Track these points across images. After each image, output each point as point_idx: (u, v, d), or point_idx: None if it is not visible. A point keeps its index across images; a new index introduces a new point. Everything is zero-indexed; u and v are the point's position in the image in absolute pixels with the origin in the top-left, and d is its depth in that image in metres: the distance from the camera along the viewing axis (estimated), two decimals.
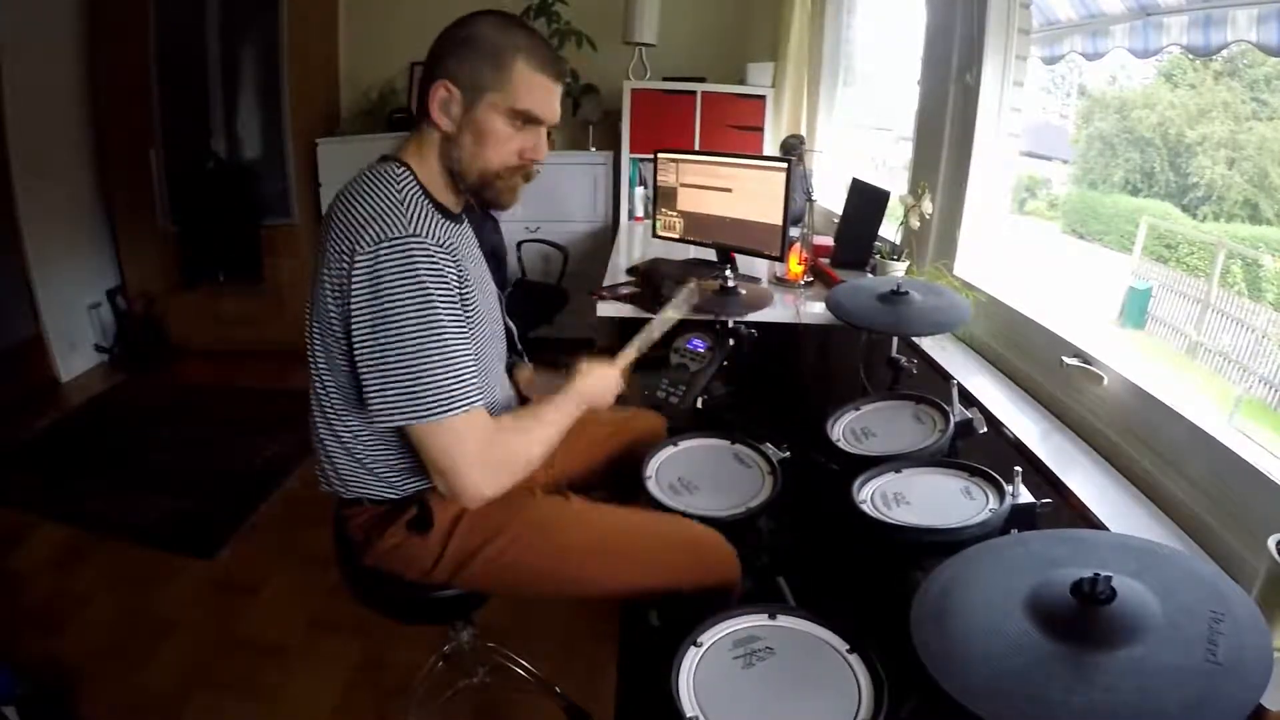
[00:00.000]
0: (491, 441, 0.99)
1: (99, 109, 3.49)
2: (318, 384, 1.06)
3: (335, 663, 1.78)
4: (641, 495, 1.25)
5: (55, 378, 3.39)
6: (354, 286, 0.93)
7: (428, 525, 1.10)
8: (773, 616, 0.95)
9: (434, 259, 0.95)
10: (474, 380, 0.98)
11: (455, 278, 1.00)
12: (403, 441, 1.07)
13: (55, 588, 2.05)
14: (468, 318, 1.03)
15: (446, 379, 0.94)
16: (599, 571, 1.16)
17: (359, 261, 0.93)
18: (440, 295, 0.95)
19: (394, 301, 0.92)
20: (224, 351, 3.70)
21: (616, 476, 1.42)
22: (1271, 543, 0.84)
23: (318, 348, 1.04)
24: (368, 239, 0.93)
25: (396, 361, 0.93)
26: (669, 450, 1.37)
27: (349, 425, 1.06)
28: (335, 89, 3.99)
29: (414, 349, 0.93)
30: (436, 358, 0.94)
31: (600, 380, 1.20)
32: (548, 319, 3.23)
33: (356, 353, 0.95)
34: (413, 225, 0.96)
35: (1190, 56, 1.53)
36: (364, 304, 0.93)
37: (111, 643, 1.85)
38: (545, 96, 1.05)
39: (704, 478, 1.29)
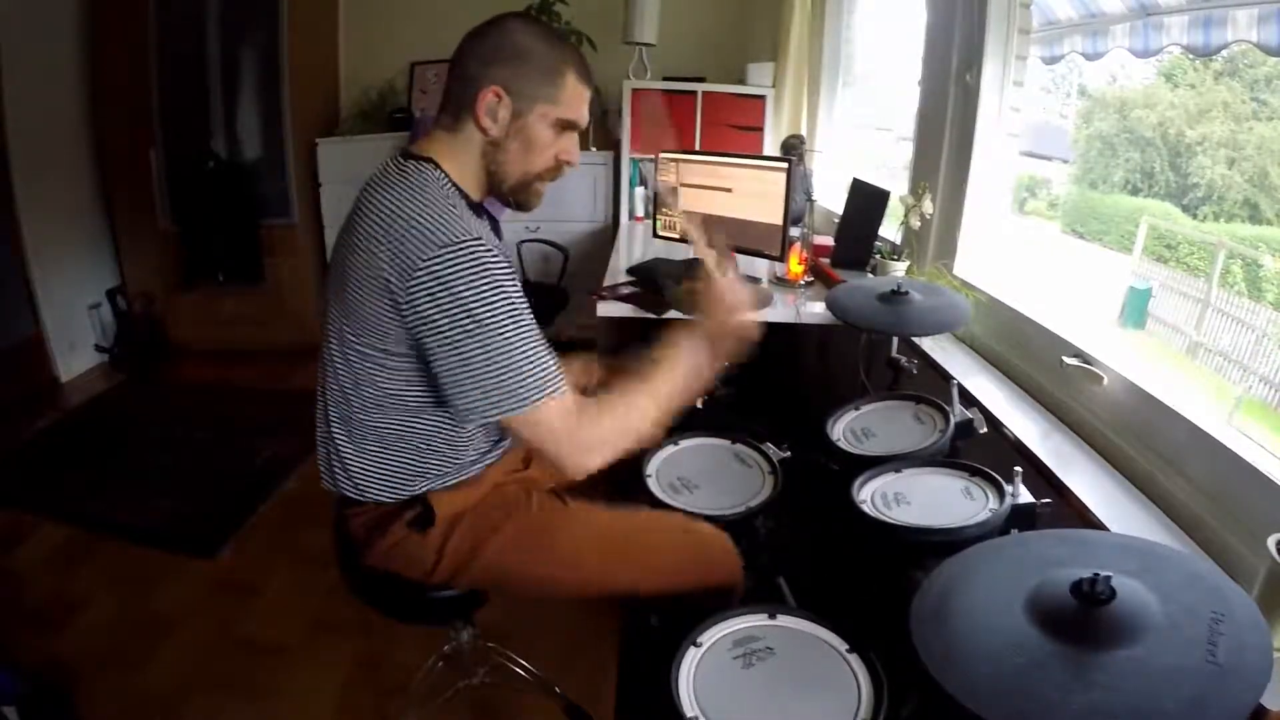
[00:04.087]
0: (583, 422, 1.00)
1: (99, 109, 3.48)
2: (336, 382, 1.06)
3: (335, 663, 1.78)
4: (641, 494, 1.25)
5: (55, 378, 3.38)
6: (419, 295, 0.93)
7: (429, 523, 1.10)
8: (773, 616, 0.96)
9: (497, 256, 0.97)
10: (554, 360, 0.99)
11: (512, 267, 1.01)
12: (416, 445, 1.08)
13: (55, 588, 2.05)
14: None
15: (535, 368, 0.96)
16: (598, 572, 1.16)
17: (423, 267, 0.93)
18: (513, 289, 0.97)
19: (474, 303, 0.93)
20: (224, 351, 3.69)
21: (617, 478, 1.42)
22: (1271, 543, 0.84)
23: (348, 345, 1.03)
24: (428, 245, 0.93)
25: (486, 359, 0.94)
26: (669, 450, 1.37)
27: (367, 425, 1.06)
28: (335, 89, 3.99)
29: (501, 345, 0.94)
30: (526, 349, 0.95)
31: (705, 358, 1.12)
32: (548, 319, 3.23)
33: (435, 357, 0.96)
34: (470, 227, 0.97)
35: (1190, 56, 1.53)
36: (440, 309, 0.93)
37: (111, 643, 1.84)
38: (584, 105, 1.10)
39: (704, 477, 1.29)
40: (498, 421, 0.98)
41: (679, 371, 1.09)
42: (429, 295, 0.93)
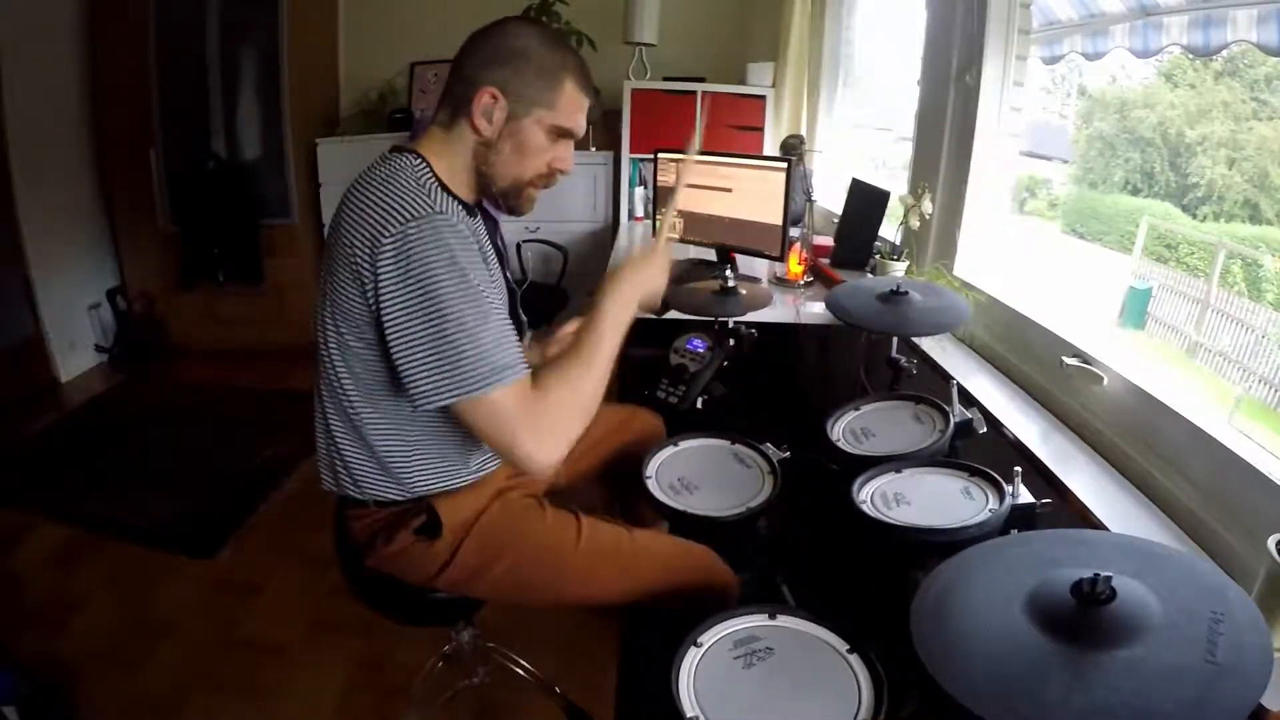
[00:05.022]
0: (541, 407, 0.96)
1: (99, 109, 3.48)
2: (331, 379, 1.05)
3: (335, 663, 1.78)
4: (641, 495, 1.25)
5: (55, 378, 3.39)
6: (381, 270, 0.92)
7: (436, 532, 1.10)
8: (773, 616, 0.95)
9: (460, 232, 0.95)
10: (515, 348, 0.96)
11: (478, 253, 1.00)
12: (418, 439, 1.07)
13: (55, 588, 2.05)
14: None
15: (489, 351, 0.92)
16: (601, 589, 1.17)
17: (385, 245, 0.92)
18: (472, 268, 0.94)
19: (428, 276, 0.91)
20: (224, 351, 3.70)
21: (617, 474, 1.43)
22: (1271, 543, 0.84)
23: (331, 341, 1.02)
24: (393, 221, 0.93)
25: (435, 338, 0.91)
26: (669, 450, 1.37)
27: (366, 420, 1.06)
28: (335, 89, 3.99)
29: (454, 322, 0.91)
30: (477, 331, 0.92)
31: (641, 276, 1.12)
32: (548, 319, 3.23)
33: (390, 337, 0.94)
34: (436, 204, 0.96)
35: (1190, 56, 1.53)
36: (395, 284, 0.92)
37: (111, 643, 1.85)
38: (582, 114, 1.09)
39: (704, 478, 1.29)
40: (450, 410, 0.95)
41: (612, 337, 1.05)
42: (388, 267, 0.92)
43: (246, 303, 3.68)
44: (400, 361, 0.94)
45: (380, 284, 0.93)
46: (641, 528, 1.23)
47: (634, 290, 1.10)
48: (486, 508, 1.14)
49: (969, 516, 1.08)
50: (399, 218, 0.93)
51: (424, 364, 0.92)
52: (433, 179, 1.03)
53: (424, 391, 0.93)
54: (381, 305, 0.93)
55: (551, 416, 0.97)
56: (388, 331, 0.94)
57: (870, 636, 0.90)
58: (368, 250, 0.94)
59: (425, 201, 0.95)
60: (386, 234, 0.93)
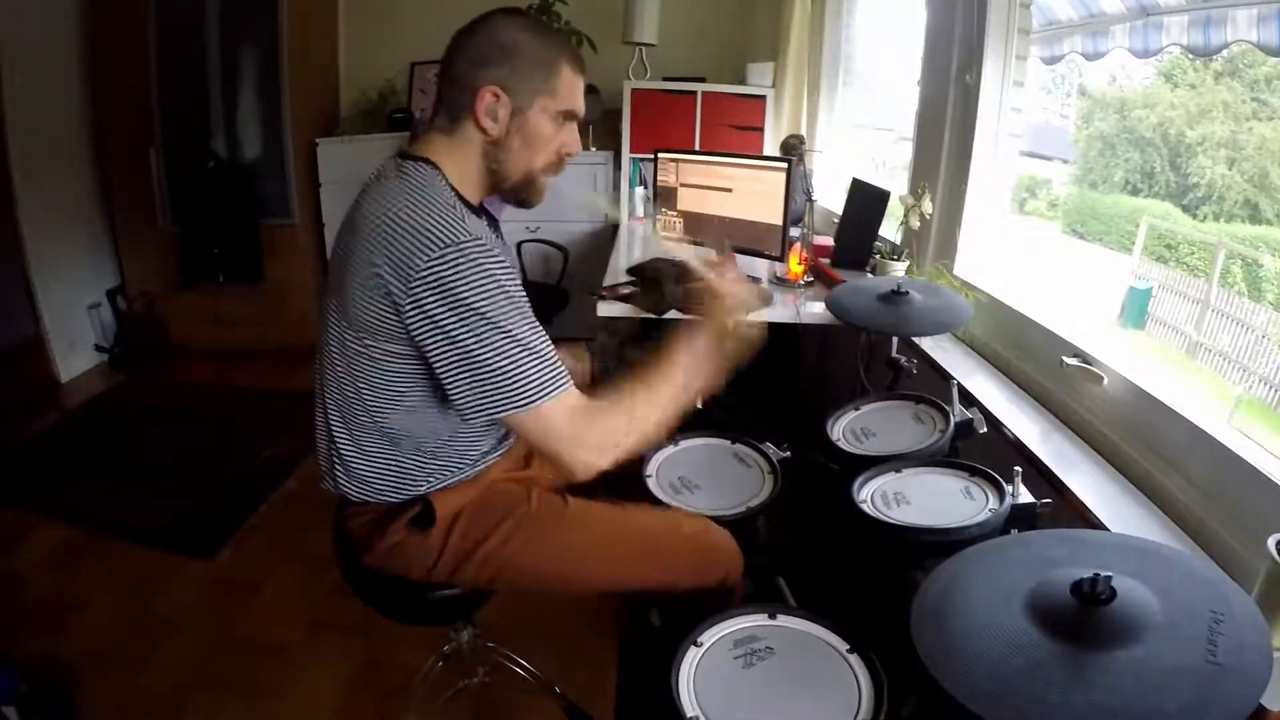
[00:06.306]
0: (588, 420, 0.99)
1: (99, 109, 3.49)
2: (334, 381, 1.06)
3: (335, 663, 1.78)
4: (641, 495, 1.25)
5: (55, 378, 3.39)
6: (423, 298, 0.93)
7: (429, 522, 1.10)
8: (773, 616, 0.96)
9: (497, 257, 0.97)
10: (559, 364, 0.99)
11: (514, 268, 1.01)
12: (419, 444, 1.08)
13: (55, 588, 2.05)
14: None
15: (540, 366, 0.96)
16: (598, 570, 1.16)
17: (424, 268, 0.92)
18: (515, 288, 0.97)
19: (479, 302, 0.93)
20: (224, 351, 3.70)
21: (619, 486, 1.43)
22: (1271, 543, 0.84)
23: (340, 345, 1.03)
24: (427, 247, 0.93)
25: (490, 357, 0.94)
26: (669, 449, 1.37)
27: (368, 425, 1.06)
28: (335, 89, 3.99)
29: (506, 342, 0.94)
30: (530, 347, 0.95)
31: (730, 357, 1.11)
32: (548, 319, 3.23)
33: (438, 358, 0.95)
34: (468, 228, 0.96)
35: (1190, 57, 1.53)
36: (445, 309, 0.93)
37: (111, 643, 1.84)
38: (580, 93, 1.11)
39: (704, 477, 1.29)
40: (501, 420, 0.98)
41: (680, 372, 1.08)
42: (434, 296, 0.93)
43: (246, 303, 3.68)
44: (455, 379, 0.96)
45: (425, 309, 0.93)
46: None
47: (722, 365, 1.10)
48: (476, 495, 1.14)
49: (969, 516, 1.08)
50: (432, 245, 0.93)
51: (481, 380, 0.95)
52: (453, 194, 1.03)
53: (479, 406, 0.96)
54: (427, 330, 0.95)
55: (600, 429, 1.00)
56: (436, 354, 0.96)
57: (870, 636, 0.90)
58: (398, 274, 0.94)
59: (458, 227, 0.95)
60: (421, 261, 0.93)
